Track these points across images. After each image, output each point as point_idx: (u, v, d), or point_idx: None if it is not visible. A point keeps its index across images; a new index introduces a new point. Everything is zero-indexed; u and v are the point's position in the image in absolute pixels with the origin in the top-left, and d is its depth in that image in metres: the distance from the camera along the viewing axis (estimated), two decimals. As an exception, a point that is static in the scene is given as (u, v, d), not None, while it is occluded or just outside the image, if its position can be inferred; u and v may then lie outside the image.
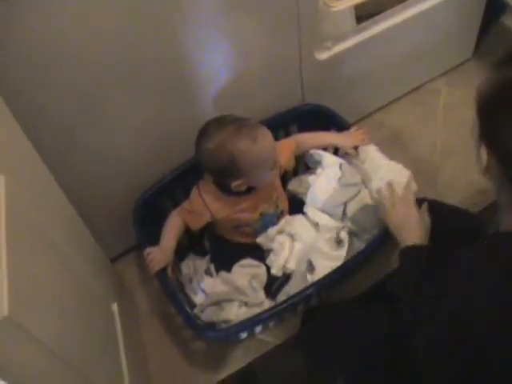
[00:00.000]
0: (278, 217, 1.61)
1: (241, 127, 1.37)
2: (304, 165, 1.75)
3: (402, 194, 1.38)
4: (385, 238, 1.46)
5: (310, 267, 1.53)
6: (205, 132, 1.39)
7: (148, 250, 1.44)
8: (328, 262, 1.49)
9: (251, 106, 1.46)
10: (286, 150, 1.58)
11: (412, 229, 1.29)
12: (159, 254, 1.44)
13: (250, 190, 1.49)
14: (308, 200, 1.63)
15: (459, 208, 1.54)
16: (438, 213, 1.40)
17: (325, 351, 1.37)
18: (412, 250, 1.24)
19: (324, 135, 1.67)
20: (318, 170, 1.66)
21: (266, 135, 1.40)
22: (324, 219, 1.59)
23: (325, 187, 1.59)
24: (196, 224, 1.53)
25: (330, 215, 1.59)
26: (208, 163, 1.42)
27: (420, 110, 2.05)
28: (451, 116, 2.03)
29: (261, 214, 1.56)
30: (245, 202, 1.51)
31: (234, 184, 1.43)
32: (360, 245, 1.53)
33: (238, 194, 1.47)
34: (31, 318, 0.83)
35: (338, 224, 1.57)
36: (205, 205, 1.49)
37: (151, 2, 1.21)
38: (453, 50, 2.12)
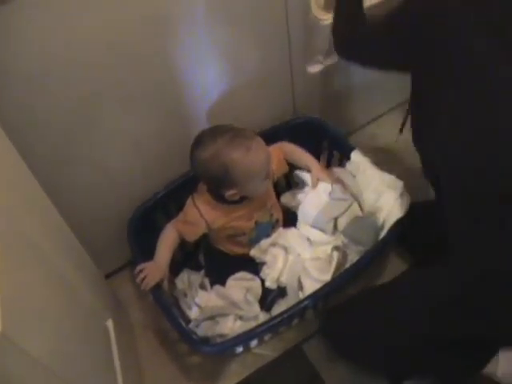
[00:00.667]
0: (273, 226, 1.62)
1: (235, 137, 1.37)
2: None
3: None
4: (380, 248, 1.47)
5: (300, 285, 1.53)
6: (199, 141, 1.40)
7: (141, 265, 1.42)
8: (315, 283, 1.50)
9: (243, 120, 1.46)
10: (275, 155, 1.57)
11: None
12: (154, 269, 1.43)
13: (243, 198, 1.49)
14: (299, 217, 1.64)
15: None
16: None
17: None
18: None
19: (305, 154, 1.65)
20: (306, 188, 1.67)
21: (260, 145, 1.40)
22: (316, 235, 1.59)
23: (315, 202, 1.60)
24: (192, 235, 1.52)
25: (322, 230, 1.59)
26: (202, 172, 1.42)
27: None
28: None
29: (256, 223, 1.56)
30: (240, 211, 1.51)
31: (228, 193, 1.43)
32: (354, 257, 1.53)
33: (233, 202, 1.48)
34: (25, 334, 0.83)
35: (330, 239, 1.58)
36: (200, 215, 1.49)
37: (145, 17, 1.22)
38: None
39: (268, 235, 1.60)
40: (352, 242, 1.56)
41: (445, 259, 1.16)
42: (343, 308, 1.48)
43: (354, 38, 1.29)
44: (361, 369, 1.51)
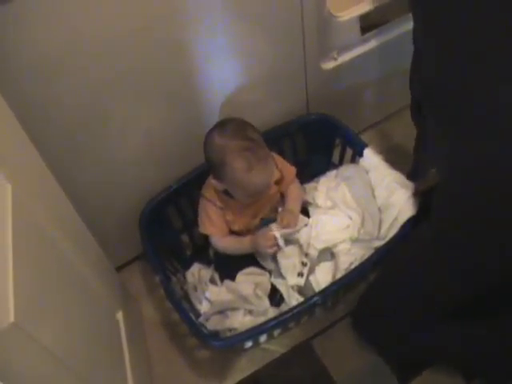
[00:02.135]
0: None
1: (248, 149, 1.36)
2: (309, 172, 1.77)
3: None
4: (390, 246, 1.46)
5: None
6: (222, 126, 1.40)
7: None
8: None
9: (256, 116, 1.46)
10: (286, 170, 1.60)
11: None
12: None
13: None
14: None
15: None
16: None
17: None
18: None
19: (292, 203, 1.60)
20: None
21: (264, 171, 1.39)
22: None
23: None
24: (225, 229, 1.55)
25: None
26: (205, 150, 1.42)
27: (425, 119, 2.05)
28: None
29: (261, 219, 1.56)
30: (244, 206, 1.52)
31: (215, 182, 1.44)
32: (365, 253, 1.53)
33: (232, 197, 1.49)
34: (37, 325, 0.84)
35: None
36: (219, 207, 1.51)
37: (157, 10, 1.22)
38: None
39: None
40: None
41: None
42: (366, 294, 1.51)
43: None
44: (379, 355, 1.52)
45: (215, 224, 1.53)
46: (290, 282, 1.52)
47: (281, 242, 1.47)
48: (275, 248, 1.48)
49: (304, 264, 1.53)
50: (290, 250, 1.55)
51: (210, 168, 1.44)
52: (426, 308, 1.31)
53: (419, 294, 1.29)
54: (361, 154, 1.65)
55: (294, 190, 1.62)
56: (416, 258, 1.31)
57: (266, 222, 1.56)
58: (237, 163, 1.35)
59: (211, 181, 1.45)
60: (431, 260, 1.23)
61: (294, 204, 1.59)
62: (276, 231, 1.47)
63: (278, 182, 1.57)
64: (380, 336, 1.47)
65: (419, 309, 1.31)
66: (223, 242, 1.56)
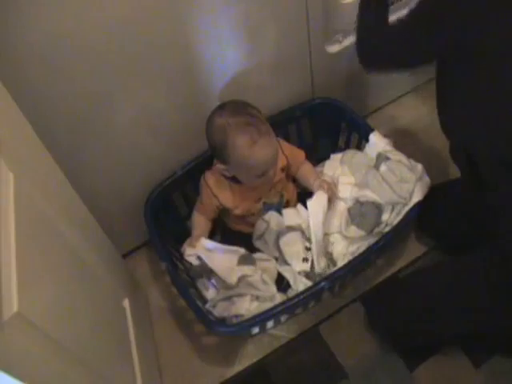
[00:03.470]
0: (283, 206, 1.61)
1: (249, 125, 1.36)
2: (315, 156, 1.76)
3: None
4: (398, 230, 1.46)
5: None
6: (222, 106, 1.41)
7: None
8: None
9: (261, 101, 1.45)
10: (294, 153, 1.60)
11: None
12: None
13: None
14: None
15: None
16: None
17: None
18: None
19: (315, 176, 1.62)
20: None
21: (268, 145, 1.38)
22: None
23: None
24: (210, 213, 1.57)
25: None
26: (206, 134, 1.42)
27: (431, 102, 2.03)
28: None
29: (264, 204, 1.56)
30: (246, 191, 1.51)
31: (219, 167, 1.44)
32: (372, 240, 1.52)
33: (239, 181, 1.48)
34: (41, 314, 0.83)
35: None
36: (212, 193, 1.51)
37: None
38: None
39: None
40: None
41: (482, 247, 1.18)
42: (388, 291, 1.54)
43: (381, 39, 1.27)
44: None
45: (204, 204, 1.56)
46: (295, 269, 1.51)
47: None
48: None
49: (308, 249, 1.52)
50: (293, 236, 1.54)
51: (214, 152, 1.44)
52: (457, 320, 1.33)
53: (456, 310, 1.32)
54: (367, 138, 1.63)
55: (308, 168, 1.64)
56: (470, 278, 1.30)
57: (268, 207, 1.56)
58: (239, 139, 1.35)
59: (217, 166, 1.45)
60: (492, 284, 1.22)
61: (316, 176, 1.61)
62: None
63: (284, 169, 1.56)
64: (392, 324, 1.48)
65: (451, 319, 1.34)
66: (194, 218, 1.60)
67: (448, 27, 1.07)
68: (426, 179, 1.51)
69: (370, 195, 1.55)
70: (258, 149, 1.36)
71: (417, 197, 1.48)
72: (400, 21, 1.17)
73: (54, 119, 1.26)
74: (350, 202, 1.59)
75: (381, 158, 1.57)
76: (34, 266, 0.87)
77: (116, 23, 1.19)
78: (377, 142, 1.61)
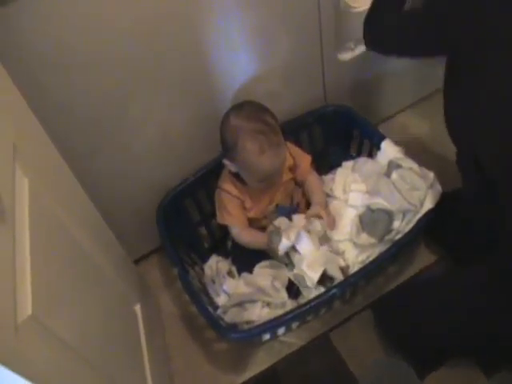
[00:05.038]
0: (295, 210, 1.60)
1: (261, 133, 1.37)
2: (326, 163, 1.76)
3: None
4: (409, 240, 1.46)
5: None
6: (239, 107, 1.42)
7: None
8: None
9: (273, 108, 1.45)
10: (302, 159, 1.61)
11: None
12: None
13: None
14: None
15: None
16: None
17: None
18: None
19: (319, 195, 1.62)
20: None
21: (275, 157, 1.39)
22: None
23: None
24: (241, 218, 1.55)
25: None
26: (221, 128, 1.43)
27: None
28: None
29: (277, 206, 1.56)
30: (259, 193, 1.52)
31: (227, 163, 1.45)
32: (382, 248, 1.52)
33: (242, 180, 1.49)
34: (55, 317, 0.84)
35: None
36: (232, 195, 1.52)
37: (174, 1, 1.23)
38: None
39: (290, 219, 1.58)
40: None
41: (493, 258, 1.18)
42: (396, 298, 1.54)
43: (391, 24, 1.27)
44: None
45: (232, 214, 1.53)
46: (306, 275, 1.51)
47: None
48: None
49: None
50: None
51: (224, 147, 1.45)
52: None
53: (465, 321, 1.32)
54: (379, 146, 1.63)
55: (314, 181, 1.63)
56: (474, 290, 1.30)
57: (281, 209, 1.57)
58: (249, 145, 1.36)
59: (224, 161, 1.46)
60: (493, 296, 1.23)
61: (319, 197, 1.60)
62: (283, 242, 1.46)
63: (292, 169, 1.57)
64: (403, 334, 1.47)
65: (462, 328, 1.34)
66: (243, 237, 1.56)
67: (461, 24, 1.07)
68: (438, 187, 1.51)
69: (381, 202, 1.54)
70: (265, 158, 1.37)
71: (428, 205, 1.48)
72: (414, 9, 1.18)
73: (68, 126, 1.27)
74: (361, 209, 1.59)
75: (392, 165, 1.56)
76: (48, 269, 0.88)
77: (129, 32, 1.21)
78: (388, 150, 1.61)
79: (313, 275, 1.45)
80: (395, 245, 1.46)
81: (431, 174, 1.52)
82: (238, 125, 1.38)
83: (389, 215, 1.53)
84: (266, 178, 1.43)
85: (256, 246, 1.55)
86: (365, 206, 1.58)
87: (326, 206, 1.59)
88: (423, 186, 1.50)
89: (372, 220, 1.55)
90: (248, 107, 1.42)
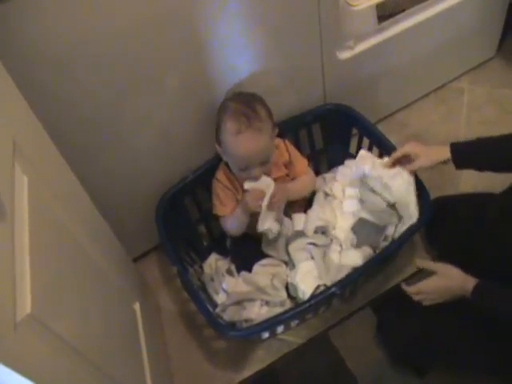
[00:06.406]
0: (290, 206, 1.60)
1: (244, 115, 1.37)
2: (326, 162, 1.75)
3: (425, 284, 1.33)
4: (402, 240, 1.46)
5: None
6: (238, 94, 1.45)
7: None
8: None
9: (273, 106, 1.45)
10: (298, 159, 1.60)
11: (456, 284, 1.25)
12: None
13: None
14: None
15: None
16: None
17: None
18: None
19: (294, 184, 1.60)
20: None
21: (249, 141, 1.38)
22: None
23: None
24: (233, 207, 1.54)
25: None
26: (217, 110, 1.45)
27: (443, 109, 2.04)
28: (474, 115, 2.01)
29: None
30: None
31: (217, 147, 1.46)
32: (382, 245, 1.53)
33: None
34: (54, 315, 0.84)
35: None
36: (225, 186, 1.52)
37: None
38: (476, 49, 2.10)
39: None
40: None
41: None
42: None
43: None
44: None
45: (223, 203, 1.53)
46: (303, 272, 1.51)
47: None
48: (260, 202, 1.43)
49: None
50: (300, 242, 1.55)
51: (215, 128, 1.45)
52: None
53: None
54: (378, 144, 1.64)
55: (303, 179, 1.61)
56: None
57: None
58: (229, 124, 1.38)
59: (216, 146, 1.46)
60: None
61: (292, 185, 1.58)
62: (247, 184, 1.45)
63: (287, 166, 1.57)
64: (403, 344, 1.45)
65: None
66: (228, 224, 1.55)
67: None
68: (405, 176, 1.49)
69: (369, 217, 1.57)
70: (240, 139, 1.37)
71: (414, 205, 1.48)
72: None
73: (68, 124, 1.27)
74: (352, 220, 1.60)
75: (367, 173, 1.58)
76: (47, 267, 0.88)
77: (129, 31, 1.20)
78: (365, 156, 1.61)
79: (306, 290, 1.47)
80: (393, 243, 1.48)
81: (411, 178, 1.50)
82: (227, 105, 1.41)
83: (380, 228, 1.55)
84: (243, 164, 1.42)
85: (238, 224, 1.53)
86: (356, 217, 1.59)
87: (286, 192, 1.52)
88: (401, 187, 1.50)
89: (365, 232, 1.57)
90: (244, 94, 1.44)
